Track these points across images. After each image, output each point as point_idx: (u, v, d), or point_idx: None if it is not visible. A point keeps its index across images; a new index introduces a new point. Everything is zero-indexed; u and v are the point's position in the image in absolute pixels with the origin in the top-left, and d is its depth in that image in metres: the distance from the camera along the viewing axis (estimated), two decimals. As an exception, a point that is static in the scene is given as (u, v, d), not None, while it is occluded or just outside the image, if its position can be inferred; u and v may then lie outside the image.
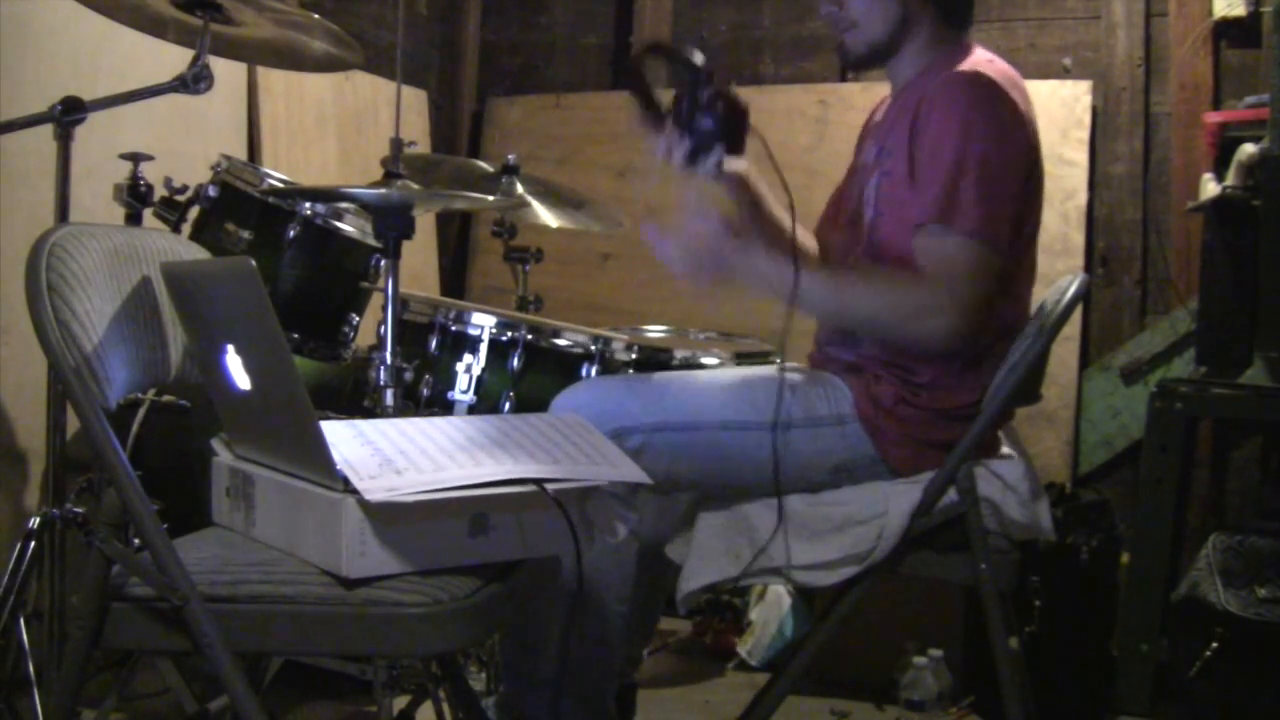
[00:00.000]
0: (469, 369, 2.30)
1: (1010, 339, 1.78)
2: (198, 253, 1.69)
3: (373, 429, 1.40)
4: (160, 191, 2.26)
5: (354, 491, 1.23)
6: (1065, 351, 3.22)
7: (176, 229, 2.26)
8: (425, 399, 2.32)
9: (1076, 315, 3.20)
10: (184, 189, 2.29)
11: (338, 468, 1.26)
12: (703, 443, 1.71)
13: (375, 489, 1.23)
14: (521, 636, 1.71)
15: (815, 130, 3.54)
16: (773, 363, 2.41)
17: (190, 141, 2.90)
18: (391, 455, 1.32)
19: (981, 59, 1.80)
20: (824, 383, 1.79)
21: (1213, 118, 2.87)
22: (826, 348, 1.90)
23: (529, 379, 2.30)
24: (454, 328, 2.33)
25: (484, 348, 2.31)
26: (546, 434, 1.45)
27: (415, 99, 3.90)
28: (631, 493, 1.70)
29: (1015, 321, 1.80)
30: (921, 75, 1.84)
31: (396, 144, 1.98)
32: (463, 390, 2.30)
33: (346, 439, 1.35)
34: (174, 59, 2.10)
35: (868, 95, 3.44)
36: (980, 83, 1.72)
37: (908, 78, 1.86)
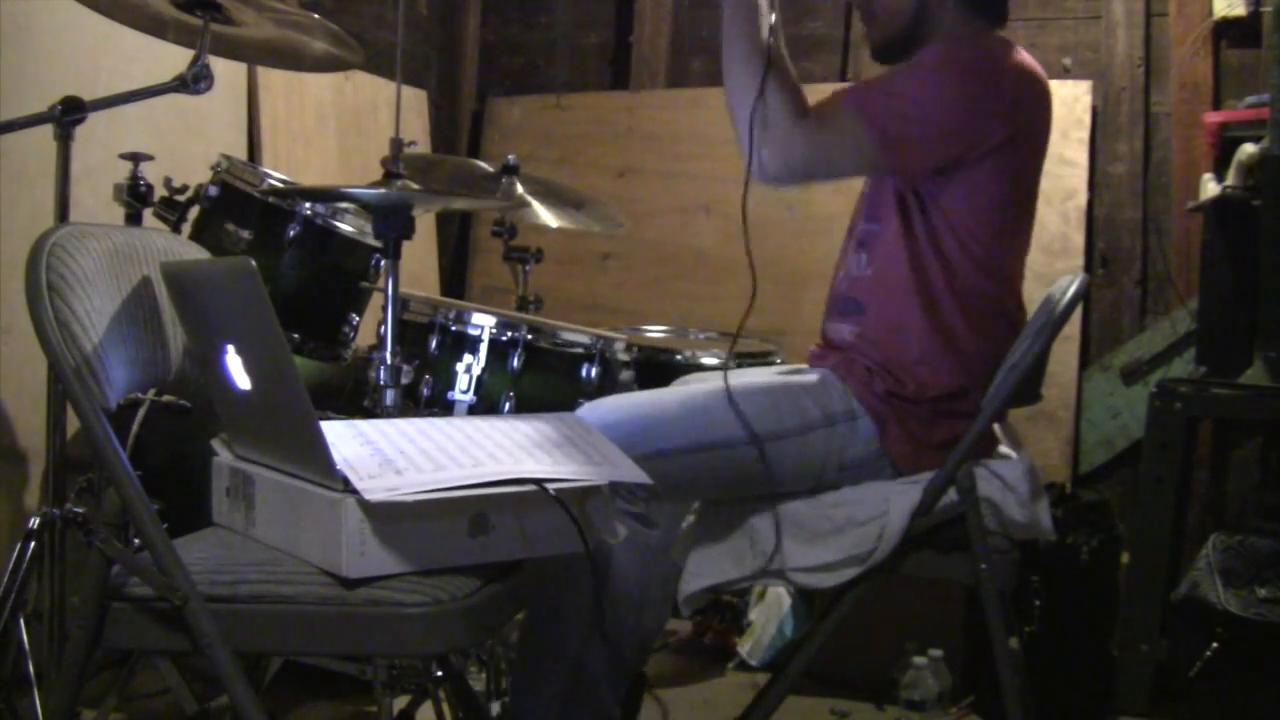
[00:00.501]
0: (469, 369, 2.30)
1: (994, 321, 1.80)
2: (198, 253, 1.69)
3: (373, 429, 1.40)
4: (160, 191, 2.26)
5: (354, 491, 1.23)
6: (1065, 351, 3.22)
7: (176, 229, 2.26)
8: (425, 399, 2.32)
9: (1076, 315, 3.20)
10: (184, 189, 2.29)
11: (338, 468, 1.26)
12: (724, 463, 1.70)
13: (375, 489, 1.23)
14: (537, 646, 1.71)
15: (815, 130, 3.53)
16: (773, 363, 2.41)
17: (190, 141, 2.90)
18: (391, 455, 1.32)
19: (1001, 43, 1.81)
20: (829, 381, 1.79)
21: (1213, 118, 2.87)
22: (828, 323, 1.90)
23: (529, 379, 2.30)
24: (454, 328, 2.33)
25: (484, 348, 2.31)
26: (546, 434, 1.45)
27: (415, 99, 3.90)
28: (648, 504, 1.69)
29: (999, 302, 1.81)
30: None
31: (396, 144, 1.98)
32: (463, 390, 2.30)
33: (346, 439, 1.35)
34: (174, 59, 2.10)
35: (868, 95, 3.44)
36: (969, 48, 1.77)
37: None
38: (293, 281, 2.29)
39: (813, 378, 1.80)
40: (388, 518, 1.25)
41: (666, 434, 1.67)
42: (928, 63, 1.76)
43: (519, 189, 2.68)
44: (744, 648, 2.88)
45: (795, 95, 1.72)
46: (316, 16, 2.20)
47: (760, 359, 2.50)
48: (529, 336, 2.31)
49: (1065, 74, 3.41)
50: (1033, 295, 1.86)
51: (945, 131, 1.72)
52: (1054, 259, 3.24)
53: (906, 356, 1.77)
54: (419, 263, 3.82)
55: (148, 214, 2.24)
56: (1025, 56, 1.82)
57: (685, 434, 1.68)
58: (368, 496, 1.22)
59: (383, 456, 1.31)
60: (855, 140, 1.71)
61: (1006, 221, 1.81)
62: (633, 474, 1.40)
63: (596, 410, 1.70)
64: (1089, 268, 3.30)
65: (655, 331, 3.04)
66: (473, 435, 1.41)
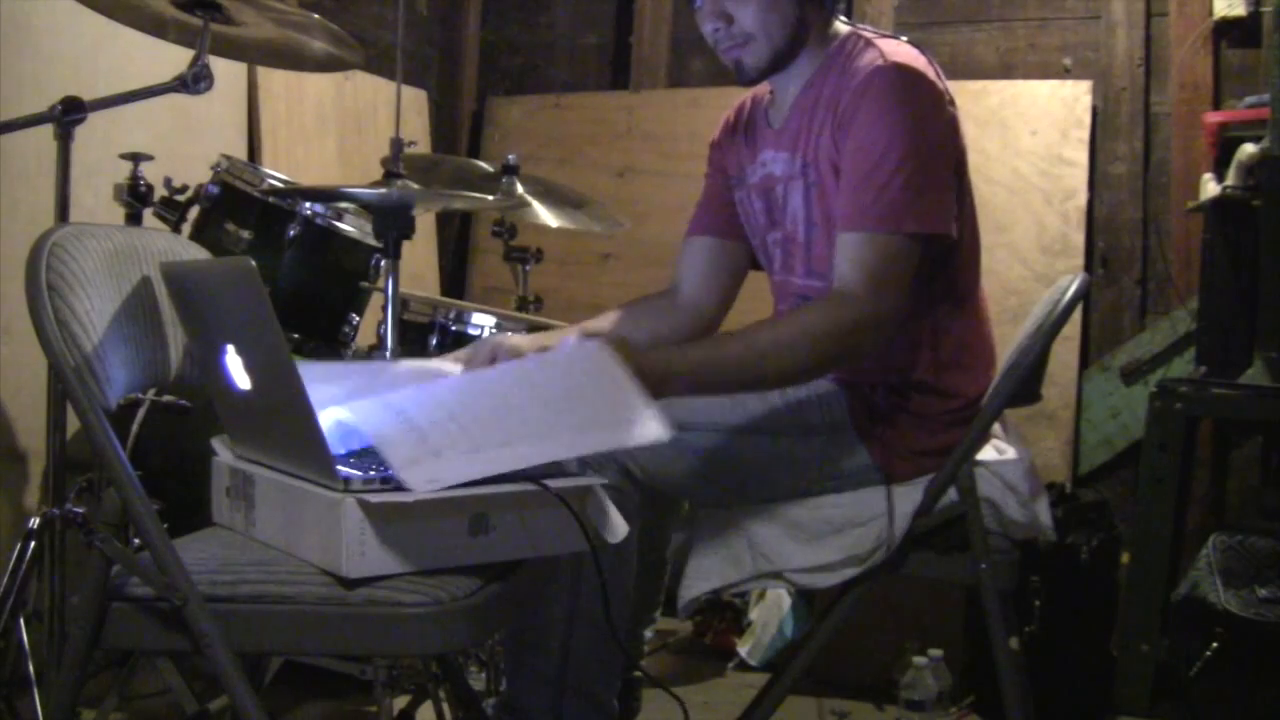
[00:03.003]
0: (469, 369, 2.29)
1: (981, 322, 1.80)
2: (198, 253, 1.69)
3: (401, 398, 1.37)
4: (160, 191, 2.27)
5: (354, 491, 1.23)
6: (1065, 351, 3.22)
7: (176, 229, 2.27)
8: (425, 399, 2.32)
9: (1076, 315, 3.20)
10: (184, 189, 2.29)
11: (374, 444, 1.24)
12: (695, 444, 1.69)
13: (417, 480, 1.21)
14: (523, 635, 1.71)
15: (815, 130, 3.53)
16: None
17: (190, 141, 2.90)
18: (425, 428, 1.29)
19: (892, 46, 1.72)
20: (816, 391, 1.75)
21: (1213, 118, 2.88)
22: None
23: (529, 379, 2.30)
24: (454, 328, 2.33)
25: (484, 348, 2.31)
26: (573, 390, 1.41)
27: (415, 99, 3.90)
28: (634, 487, 1.69)
29: (974, 306, 1.80)
30: (824, 72, 1.76)
31: (396, 144, 1.98)
32: (463, 390, 2.30)
33: (373, 413, 1.33)
34: (174, 59, 2.10)
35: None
36: (904, 73, 1.66)
37: (807, 77, 1.78)
38: (293, 281, 2.29)
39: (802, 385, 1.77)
40: (388, 518, 1.25)
41: None
42: (872, 127, 1.63)
43: (519, 189, 2.68)
44: (744, 648, 2.88)
45: (817, 320, 1.60)
46: (316, 16, 2.20)
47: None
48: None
49: (1065, 74, 3.41)
50: (1033, 295, 1.86)
51: (939, 159, 1.66)
52: (1054, 259, 3.24)
53: (909, 382, 1.75)
54: (419, 263, 3.82)
55: (148, 214, 2.25)
56: (911, 50, 1.73)
57: None
58: (414, 489, 1.21)
59: (418, 432, 1.29)
60: (892, 252, 1.60)
61: (974, 217, 1.79)
62: (655, 431, 1.36)
63: None
64: (1089, 268, 3.30)
65: (655, 331, 3.03)
66: (506, 400, 1.38)
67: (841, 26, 1.81)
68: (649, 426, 1.38)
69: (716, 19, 1.72)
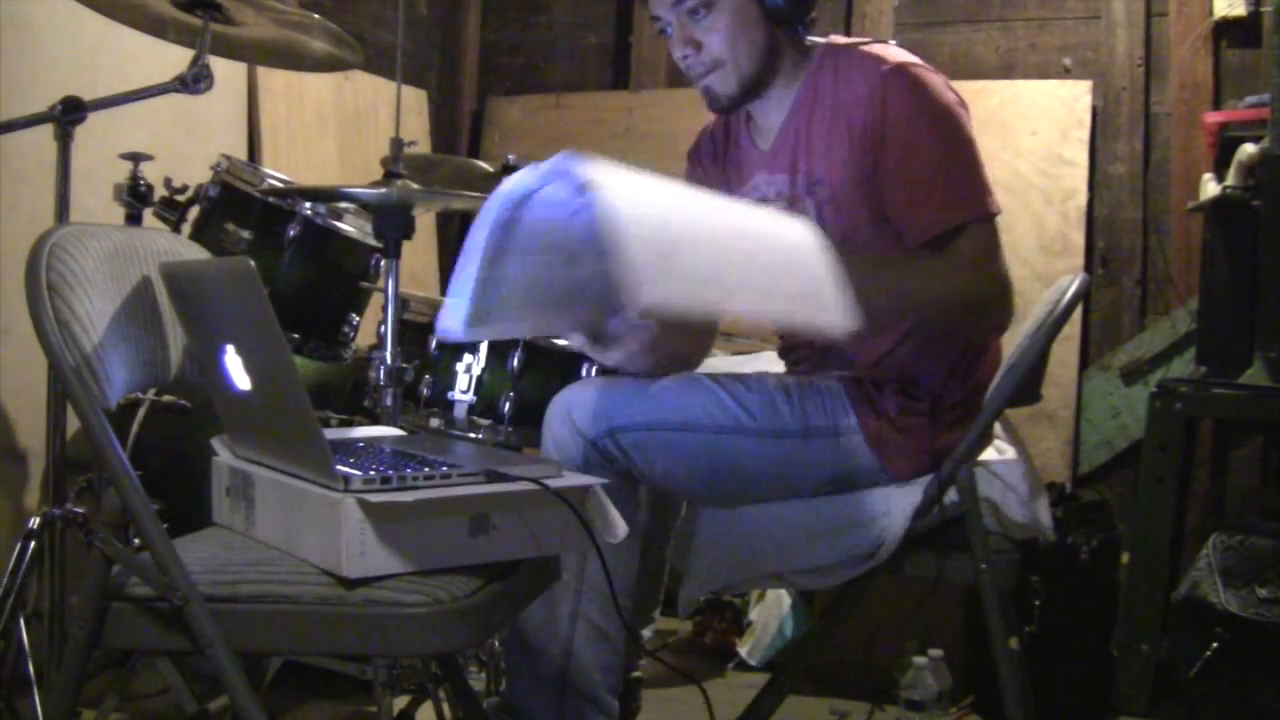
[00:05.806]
0: (469, 369, 2.30)
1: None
2: (198, 253, 1.69)
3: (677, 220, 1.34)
4: (160, 191, 2.27)
5: (354, 491, 1.23)
6: (1065, 351, 3.22)
7: (176, 229, 2.27)
8: (425, 399, 2.32)
9: (1076, 315, 3.20)
10: (184, 189, 2.29)
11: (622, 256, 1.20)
12: (696, 445, 1.69)
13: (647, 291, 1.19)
14: (523, 635, 1.71)
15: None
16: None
17: (190, 141, 2.90)
18: (666, 250, 1.26)
19: (881, 49, 1.72)
20: (820, 392, 1.74)
21: (1213, 118, 2.87)
22: (802, 366, 1.85)
23: (529, 379, 2.30)
24: (454, 328, 2.33)
25: (484, 348, 2.31)
26: (782, 264, 1.38)
27: (415, 99, 3.90)
28: (634, 487, 1.69)
29: None
30: (810, 89, 1.76)
31: (396, 144, 1.98)
32: (463, 390, 2.30)
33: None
34: (174, 59, 2.10)
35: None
36: (915, 70, 1.67)
37: (790, 98, 1.78)
38: (293, 281, 2.29)
39: (804, 385, 1.76)
40: (388, 517, 1.25)
41: (627, 411, 1.67)
42: (917, 131, 1.65)
43: (519, 189, 2.67)
44: (744, 648, 2.88)
45: (949, 276, 1.60)
46: (316, 16, 2.20)
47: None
48: (529, 336, 2.30)
49: (1065, 74, 3.41)
50: (1033, 295, 1.86)
51: (976, 145, 1.69)
52: (1054, 259, 3.24)
53: (921, 385, 1.75)
54: (419, 263, 3.82)
55: (148, 214, 2.25)
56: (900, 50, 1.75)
57: (647, 412, 1.68)
58: (644, 299, 1.19)
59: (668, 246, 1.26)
60: (991, 241, 1.63)
61: None
62: (844, 323, 1.35)
63: (570, 393, 1.70)
64: (1089, 268, 3.31)
65: (655, 331, 3.03)
66: (740, 248, 1.35)
67: (812, 43, 1.80)
68: (841, 316, 1.35)
69: (686, 45, 1.73)
